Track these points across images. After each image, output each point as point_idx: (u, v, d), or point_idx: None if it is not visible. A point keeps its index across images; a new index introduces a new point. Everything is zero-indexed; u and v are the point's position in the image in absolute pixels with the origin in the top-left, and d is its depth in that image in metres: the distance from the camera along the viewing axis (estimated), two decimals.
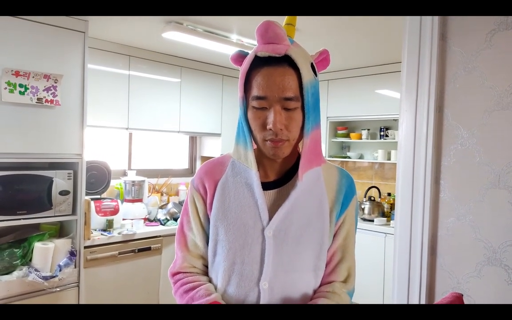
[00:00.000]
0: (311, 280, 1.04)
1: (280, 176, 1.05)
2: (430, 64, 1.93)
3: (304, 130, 0.99)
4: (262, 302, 1.00)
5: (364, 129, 4.26)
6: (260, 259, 1.00)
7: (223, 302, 1.00)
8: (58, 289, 2.56)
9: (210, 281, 1.08)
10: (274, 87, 0.95)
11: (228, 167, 1.08)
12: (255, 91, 0.97)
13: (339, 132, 4.44)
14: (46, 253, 2.54)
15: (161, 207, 3.71)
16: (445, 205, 1.95)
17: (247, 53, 1.02)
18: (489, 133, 1.83)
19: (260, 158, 1.05)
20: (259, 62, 0.97)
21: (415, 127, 1.98)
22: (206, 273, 1.11)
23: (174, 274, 1.11)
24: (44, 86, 2.47)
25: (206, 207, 1.08)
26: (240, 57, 1.03)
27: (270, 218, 1.01)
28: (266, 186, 1.04)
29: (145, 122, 3.55)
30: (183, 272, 1.10)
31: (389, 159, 4.08)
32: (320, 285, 1.06)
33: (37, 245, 2.53)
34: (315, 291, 1.05)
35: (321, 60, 1.03)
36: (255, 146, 1.05)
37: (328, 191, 1.05)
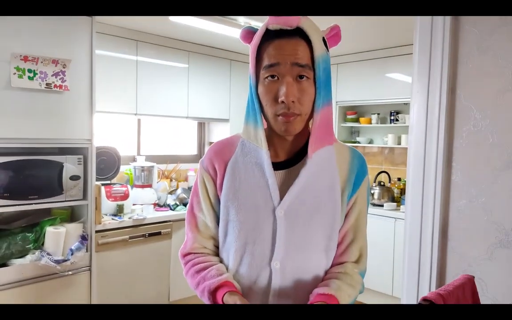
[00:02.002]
0: (323, 260, 1.03)
1: (291, 156, 1.04)
2: (443, 44, 1.89)
3: (314, 106, 0.98)
4: (273, 281, 0.99)
5: (374, 114, 4.22)
6: (271, 239, 1.00)
7: (234, 282, 1.00)
8: (70, 272, 2.60)
9: (221, 261, 1.08)
10: (286, 54, 0.93)
11: (238, 147, 1.07)
12: (266, 61, 0.96)
13: (349, 116, 4.39)
14: (58, 237, 2.57)
15: (171, 193, 3.73)
16: (457, 187, 1.93)
17: (257, 29, 1.00)
18: (502, 114, 1.80)
19: (271, 137, 1.03)
20: (270, 36, 0.95)
21: (427, 109, 1.95)
22: (217, 253, 1.10)
23: (184, 255, 1.11)
24: (53, 71, 2.47)
25: (216, 188, 1.07)
26: (249, 33, 1.02)
27: (281, 198, 1.00)
28: (276, 166, 1.03)
29: (154, 108, 3.55)
30: (194, 253, 1.10)
31: (399, 143, 4.04)
32: (332, 266, 1.05)
33: (49, 230, 2.57)
34: (326, 272, 1.04)
35: (333, 36, 1.01)
36: (265, 126, 1.04)
37: (340, 171, 1.03)
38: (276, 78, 0.95)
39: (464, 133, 1.90)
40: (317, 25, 0.98)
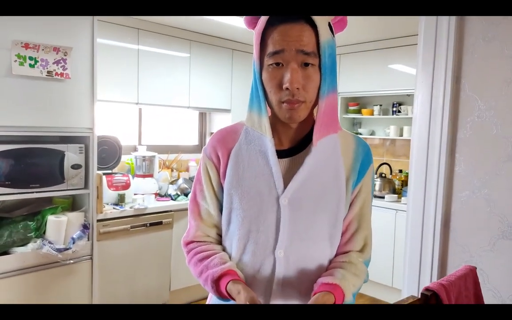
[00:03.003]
0: (327, 249, 1.02)
1: (295, 144, 1.03)
2: (448, 32, 1.87)
3: (319, 93, 0.97)
4: (277, 270, 0.99)
5: (376, 105, 4.20)
6: (275, 227, 0.99)
7: (237, 271, 1.00)
8: (71, 261, 2.60)
9: (224, 250, 1.07)
10: (291, 40, 0.92)
11: (241, 135, 1.05)
12: (271, 48, 0.94)
13: (351, 108, 4.38)
14: (59, 226, 2.57)
15: (172, 183, 3.73)
16: (460, 179, 1.92)
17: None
18: (507, 104, 1.79)
19: (275, 124, 1.02)
20: (275, 21, 0.94)
21: (431, 99, 1.94)
22: (220, 242, 1.10)
23: (187, 243, 1.10)
24: (54, 59, 2.45)
25: (219, 176, 1.06)
26: (254, 18, 1.00)
27: (285, 186, 0.99)
28: (280, 154, 1.02)
29: (155, 97, 3.53)
30: (197, 241, 1.09)
31: (401, 135, 4.03)
32: (336, 255, 1.04)
33: (50, 218, 2.57)
34: (330, 261, 1.04)
35: (338, 21, 1.00)
36: (269, 113, 1.03)
37: (344, 159, 1.02)
38: (280, 64, 0.94)
39: (468, 123, 1.89)
40: None
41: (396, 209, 3.68)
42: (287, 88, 0.92)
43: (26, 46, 2.35)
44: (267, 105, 1.01)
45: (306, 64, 0.93)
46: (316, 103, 0.99)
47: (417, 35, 2.02)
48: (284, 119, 0.97)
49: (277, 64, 0.94)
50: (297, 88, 0.92)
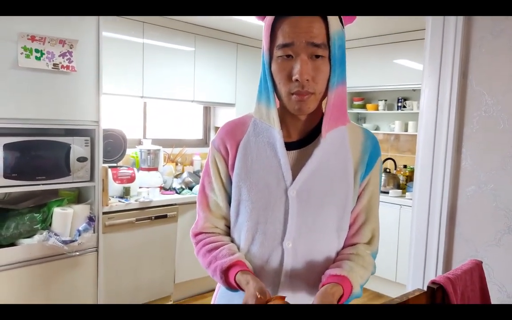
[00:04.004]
0: (334, 241, 1.03)
1: (303, 136, 1.03)
2: (456, 27, 1.86)
3: (329, 85, 0.96)
4: (285, 261, 0.99)
5: (381, 100, 4.18)
6: (283, 218, 1.00)
7: (246, 262, 1.00)
8: (77, 253, 2.62)
9: (232, 241, 1.08)
10: (301, 32, 0.92)
11: (249, 127, 1.06)
12: (280, 40, 0.94)
13: (355, 103, 4.37)
14: (65, 218, 2.58)
15: (176, 177, 3.74)
16: (466, 173, 1.92)
17: None
18: None
19: (283, 116, 1.02)
20: None
21: (438, 94, 1.93)
22: (228, 233, 1.10)
23: (196, 234, 1.11)
24: (60, 52, 2.46)
25: (227, 168, 1.06)
26: None
27: (294, 178, 0.99)
28: (288, 146, 1.02)
29: (160, 91, 3.53)
30: (205, 233, 1.09)
31: (406, 130, 4.02)
32: (344, 247, 1.05)
33: (56, 210, 2.58)
34: (337, 253, 1.04)
35: None
36: (277, 105, 1.03)
37: (353, 152, 1.02)
38: (290, 56, 0.94)
39: (475, 118, 1.88)
40: None
41: (400, 204, 3.68)
42: (296, 80, 0.92)
43: (32, 38, 2.35)
44: (275, 96, 1.01)
45: (316, 56, 0.93)
46: (325, 95, 0.99)
47: (423, 30, 2.01)
48: (293, 111, 0.97)
49: (287, 55, 0.94)
50: (307, 80, 0.92)
